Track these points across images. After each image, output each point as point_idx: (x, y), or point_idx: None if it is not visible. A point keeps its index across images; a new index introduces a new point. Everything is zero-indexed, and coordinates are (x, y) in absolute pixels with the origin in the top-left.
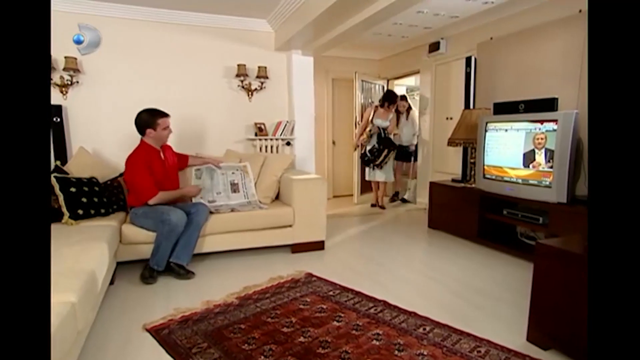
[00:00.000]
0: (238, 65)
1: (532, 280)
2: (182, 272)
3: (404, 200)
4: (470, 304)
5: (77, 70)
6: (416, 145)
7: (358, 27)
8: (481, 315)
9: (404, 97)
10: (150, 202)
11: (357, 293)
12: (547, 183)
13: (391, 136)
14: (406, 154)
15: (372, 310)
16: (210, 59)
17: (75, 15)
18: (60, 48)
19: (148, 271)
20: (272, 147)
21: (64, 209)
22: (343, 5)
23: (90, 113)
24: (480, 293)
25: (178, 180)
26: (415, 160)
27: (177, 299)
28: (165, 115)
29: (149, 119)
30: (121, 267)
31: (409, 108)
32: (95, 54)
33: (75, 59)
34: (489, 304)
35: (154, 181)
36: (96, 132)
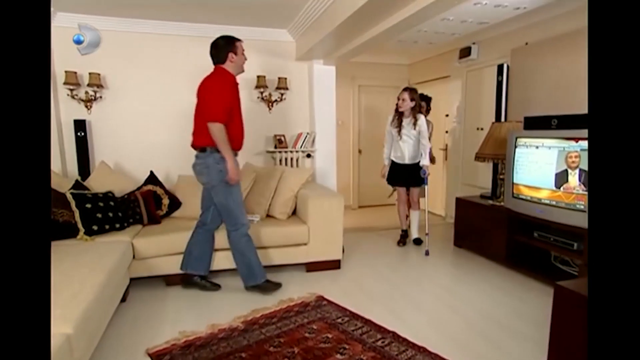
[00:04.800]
0: (257, 76)
1: (550, 329)
2: (207, 285)
3: (418, 241)
4: (488, 341)
5: (100, 86)
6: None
7: (380, 36)
8: (498, 356)
9: (411, 90)
10: (211, 124)
11: (367, 321)
12: (582, 207)
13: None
14: (413, 177)
15: (379, 343)
16: None
17: (99, 32)
18: (86, 64)
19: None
20: (292, 159)
21: (80, 225)
22: (363, 14)
23: (113, 127)
24: (502, 327)
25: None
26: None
27: (185, 320)
28: (240, 40)
29: (227, 43)
30: (135, 283)
31: (417, 108)
32: (117, 69)
33: (99, 74)
34: (510, 342)
35: (229, 110)
36: (118, 146)
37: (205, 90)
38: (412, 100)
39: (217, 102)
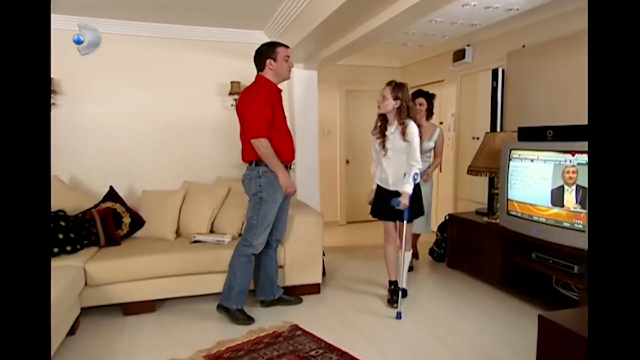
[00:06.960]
0: (231, 82)
1: None
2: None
3: (405, 294)
4: None
5: (54, 92)
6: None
7: (364, 39)
8: None
9: (397, 86)
10: (254, 141)
11: (343, 354)
12: (580, 226)
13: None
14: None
15: None
16: (202, 75)
17: (56, 31)
18: None
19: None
20: None
21: None
22: (344, 15)
23: (69, 137)
24: None
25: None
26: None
27: (140, 356)
28: (285, 46)
29: (267, 49)
30: (88, 313)
31: (406, 110)
32: (75, 73)
33: (52, 78)
34: None
35: (269, 123)
36: (75, 158)
37: (243, 104)
38: (395, 99)
39: (254, 116)
